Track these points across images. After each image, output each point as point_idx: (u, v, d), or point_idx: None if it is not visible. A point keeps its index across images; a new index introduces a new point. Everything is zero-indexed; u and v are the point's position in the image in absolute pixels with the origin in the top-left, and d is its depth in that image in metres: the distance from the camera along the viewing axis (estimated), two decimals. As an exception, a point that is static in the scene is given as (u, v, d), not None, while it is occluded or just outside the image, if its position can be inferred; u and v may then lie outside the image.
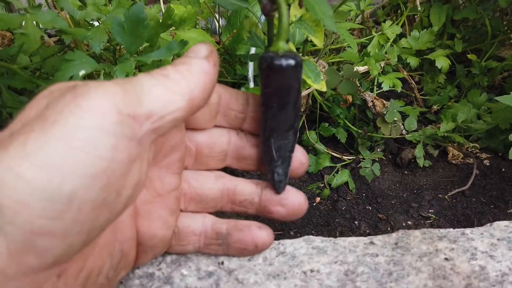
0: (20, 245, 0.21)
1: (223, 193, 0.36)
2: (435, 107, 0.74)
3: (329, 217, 0.54)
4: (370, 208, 0.55)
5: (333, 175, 0.60)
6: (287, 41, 0.34)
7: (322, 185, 0.60)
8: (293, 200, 0.35)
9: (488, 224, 0.39)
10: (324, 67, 0.75)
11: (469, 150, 0.66)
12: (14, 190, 0.21)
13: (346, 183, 0.59)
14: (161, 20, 0.55)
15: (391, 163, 0.63)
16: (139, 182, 0.27)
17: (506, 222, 0.39)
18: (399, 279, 0.33)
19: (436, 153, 0.66)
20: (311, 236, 0.38)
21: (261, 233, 0.35)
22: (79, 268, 0.26)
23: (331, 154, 0.63)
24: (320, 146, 0.63)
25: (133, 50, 0.42)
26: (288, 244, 0.37)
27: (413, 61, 0.62)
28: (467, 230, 0.38)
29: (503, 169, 0.63)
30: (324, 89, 0.45)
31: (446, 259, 0.35)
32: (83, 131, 0.22)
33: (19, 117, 0.25)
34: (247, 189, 0.36)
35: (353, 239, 0.38)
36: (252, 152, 0.36)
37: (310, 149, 0.65)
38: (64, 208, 0.22)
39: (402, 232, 0.39)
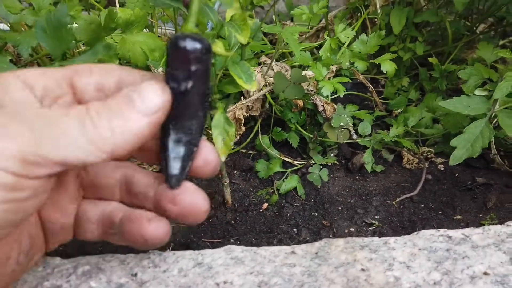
0: None
1: (120, 182, 0.34)
2: (395, 111, 0.73)
3: (273, 223, 0.53)
4: (316, 214, 0.54)
5: (283, 180, 0.59)
6: (197, 25, 0.33)
7: (272, 190, 0.59)
8: (187, 199, 0.31)
9: (415, 233, 0.39)
10: (286, 70, 0.74)
11: (424, 155, 0.65)
12: None
13: (295, 189, 0.58)
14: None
15: (343, 168, 0.63)
16: None
17: (432, 231, 0.38)
18: (309, 291, 0.32)
19: (391, 158, 0.65)
20: (232, 246, 0.37)
21: (150, 226, 0.31)
22: None
23: (283, 159, 0.62)
24: (273, 151, 0.62)
25: (57, 54, 0.41)
26: (208, 255, 0.37)
27: (360, 65, 0.61)
28: (391, 239, 0.37)
29: (457, 174, 0.63)
30: (254, 89, 0.44)
31: (362, 269, 0.34)
32: None
33: None
34: (143, 181, 0.33)
35: (275, 248, 0.37)
36: (152, 143, 0.32)
37: (263, 154, 0.65)
38: None
39: (325, 241, 0.38)
